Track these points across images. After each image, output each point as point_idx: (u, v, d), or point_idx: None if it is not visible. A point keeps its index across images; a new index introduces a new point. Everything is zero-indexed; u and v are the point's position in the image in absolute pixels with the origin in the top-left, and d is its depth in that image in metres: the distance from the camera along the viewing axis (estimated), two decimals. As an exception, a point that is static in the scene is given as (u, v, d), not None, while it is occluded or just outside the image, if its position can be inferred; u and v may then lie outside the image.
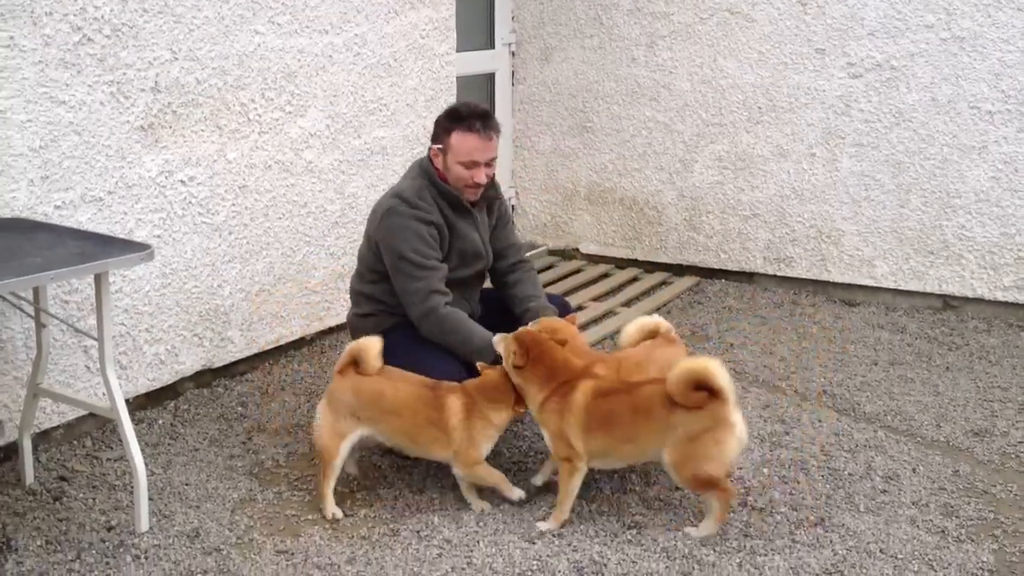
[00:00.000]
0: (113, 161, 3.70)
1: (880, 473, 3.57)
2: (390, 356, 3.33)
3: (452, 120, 3.56)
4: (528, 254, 4.00)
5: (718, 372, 3.06)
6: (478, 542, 3.10)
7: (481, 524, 3.20)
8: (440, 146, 3.57)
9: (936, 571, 2.98)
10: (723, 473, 3.09)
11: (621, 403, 3.14)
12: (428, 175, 3.60)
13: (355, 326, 3.75)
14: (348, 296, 4.84)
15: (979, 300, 5.24)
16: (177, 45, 3.86)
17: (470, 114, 3.55)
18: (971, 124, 5.10)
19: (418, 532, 3.16)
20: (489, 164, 3.58)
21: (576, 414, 3.12)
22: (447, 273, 3.56)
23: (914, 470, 3.60)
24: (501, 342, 3.28)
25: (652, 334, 3.60)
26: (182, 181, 3.97)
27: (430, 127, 3.70)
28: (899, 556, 3.04)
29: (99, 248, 3.02)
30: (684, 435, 3.05)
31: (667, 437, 3.07)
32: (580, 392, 3.15)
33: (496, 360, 3.31)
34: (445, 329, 3.49)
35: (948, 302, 5.34)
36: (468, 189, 3.58)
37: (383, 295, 3.64)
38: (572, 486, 3.17)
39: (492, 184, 3.71)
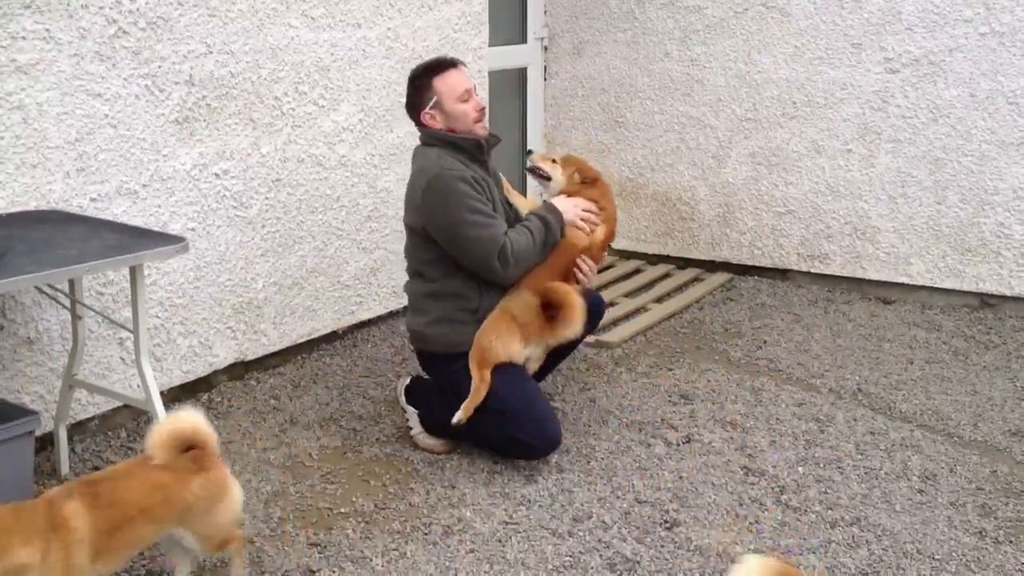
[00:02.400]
0: (148, 154, 3.72)
1: (916, 473, 3.52)
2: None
3: (424, 74, 3.59)
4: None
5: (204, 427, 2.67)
6: (510, 537, 3.09)
7: (513, 519, 3.19)
8: (432, 103, 3.56)
9: (974, 572, 2.94)
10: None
11: None
12: (436, 141, 3.58)
13: (428, 336, 3.62)
14: (381, 291, 4.87)
15: (1017, 299, 5.17)
16: (211, 38, 3.87)
17: (433, 61, 3.63)
18: (1010, 120, 5.02)
19: (450, 527, 3.15)
20: (475, 92, 3.63)
21: None
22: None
23: (951, 470, 3.55)
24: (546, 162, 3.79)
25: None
26: (216, 174, 3.98)
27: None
28: (936, 557, 3.01)
29: (134, 240, 3.03)
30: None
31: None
32: None
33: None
34: (522, 254, 3.49)
35: (985, 300, 5.27)
36: (477, 123, 3.59)
37: (458, 287, 3.56)
38: None
39: (495, 138, 3.72)
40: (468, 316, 3.54)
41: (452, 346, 3.56)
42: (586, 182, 3.79)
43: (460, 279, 3.54)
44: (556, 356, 3.95)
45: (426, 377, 3.80)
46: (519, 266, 3.51)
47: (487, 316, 3.53)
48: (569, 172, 3.80)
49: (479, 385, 3.42)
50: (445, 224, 3.45)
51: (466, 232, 3.42)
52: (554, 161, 3.84)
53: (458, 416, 3.43)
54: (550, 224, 3.56)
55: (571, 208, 3.66)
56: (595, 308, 3.82)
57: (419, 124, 3.63)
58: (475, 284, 3.55)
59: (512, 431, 3.45)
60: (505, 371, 3.51)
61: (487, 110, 3.75)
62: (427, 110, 3.58)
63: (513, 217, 3.74)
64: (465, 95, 3.55)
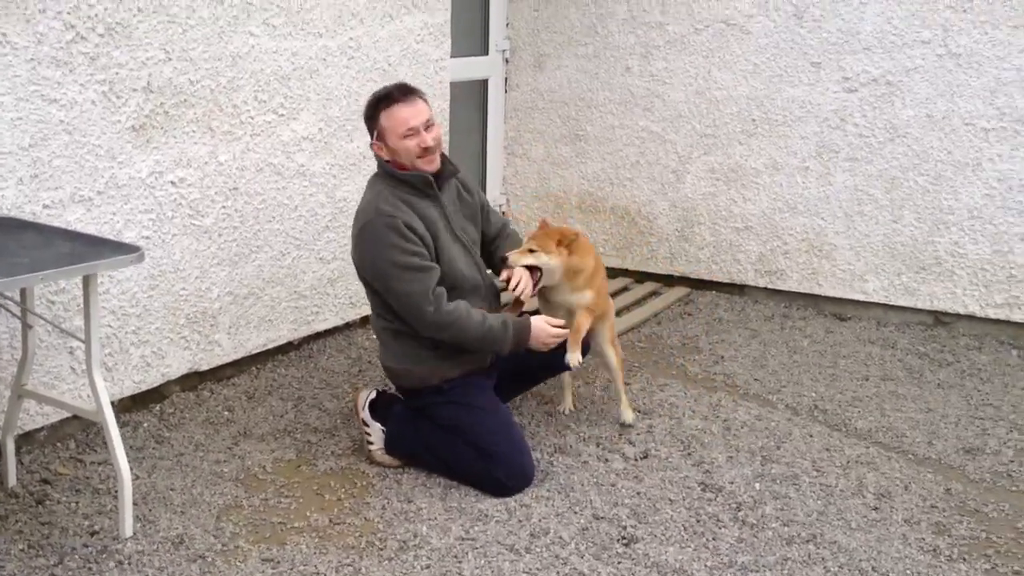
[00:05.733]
0: (103, 161, 3.66)
1: (872, 490, 3.55)
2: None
3: (375, 105, 3.49)
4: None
5: None
6: (467, 553, 3.06)
7: (470, 535, 3.17)
8: (377, 135, 3.50)
9: (928, 590, 2.96)
10: None
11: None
12: (384, 174, 3.53)
13: (397, 372, 3.61)
14: (338, 302, 4.83)
15: (971, 317, 5.24)
16: (171, 45, 3.82)
17: (386, 91, 3.50)
18: (966, 141, 5.09)
19: (405, 542, 3.12)
20: (428, 127, 3.48)
21: None
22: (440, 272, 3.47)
23: (906, 487, 3.58)
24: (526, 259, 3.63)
25: None
26: (172, 182, 3.93)
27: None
28: (891, 574, 3.02)
29: (88, 249, 2.97)
30: None
31: None
32: None
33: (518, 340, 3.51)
34: (462, 328, 3.42)
35: (939, 318, 5.33)
36: (422, 160, 3.47)
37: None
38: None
39: (446, 160, 3.61)
40: (429, 353, 3.51)
41: (420, 381, 3.55)
42: (573, 250, 3.67)
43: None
44: (527, 381, 3.95)
45: (393, 392, 3.77)
46: (450, 333, 3.43)
47: (450, 351, 3.50)
48: (556, 250, 3.65)
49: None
50: (376, 274, 3.45)
51: (396, 286, 3.41)
52: (532, 251, 3.64)
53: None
54: (505, 338, 3.47)
55: (543, 335, 3.55)
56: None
57: (378, 158, 3.58)
58: None
59: (489, 468, 3.42)
60: (487, 407, 3.52)
61: (443, 139, 3.61)
62: (374, 141, 3.53)
63: (492, 233, 3.78)
64: (409, 132, 3.43)
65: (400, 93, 3.47)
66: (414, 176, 3.49)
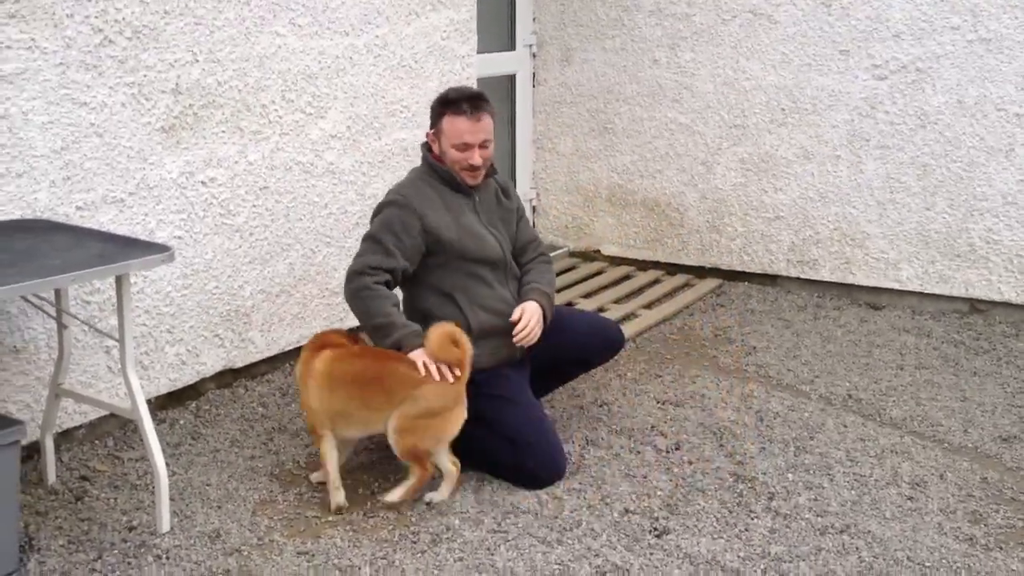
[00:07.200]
0: (134, 162, 3.70)
1: (907, 479, 3.52)
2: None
3: (443, 104, 3.58)
4: (550, 255, 3.97)
5: None
6: (499, 545, 3.07)
7: (502, 527, 3.18)
8: (434, 131, 3.60)
9: (964, 579, 2.94)
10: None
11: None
12: (425, 163, 3.66)
13: None
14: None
15: (1007, 304, 5.18)
16: (198, 47, 3.86)
17: (459, 97, 3.56)
18: (998, 126, 5.04)
19: (438, 535, 3.14)
20: (483, 146, 3.55)
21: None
22: (406, 268, 3.50)
23: (941, 476, 3.55)
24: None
25: None
26: (203, 182, 3.97)
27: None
28: (926, 564, 3.00)
29: (120, 250, 3.01)
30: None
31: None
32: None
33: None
34: (362, 303, 3.45)
35: (975, 306, 5.28)
36: (465, 172, 3.57)
37: (433, 310, 3.55)
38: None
39: (491, 168, 3.70)
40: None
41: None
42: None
43: (437, 303, 3.56)
44: (562, 376, 3.94)
45: None
46: (354, 304, 3.48)
47: (481, 330, 3.52)
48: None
49: (422, 474, 3.29)
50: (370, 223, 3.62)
51: (362, 242, 3.55)
52: None
53: (392, 496, 3.32)
54: (392, 336, 3.38)
55: (424, 355, 3.32)
56: (616, 338, 3.88)
57: (427, 134, 3.68)
58: (454, 305, 3.55)
59: (521, 460, 3.43)
60: (520, 399, 3.52)
61: (489, 161, 3.62)
62: (431, 131, 3.64)
63: (521, 241, 3.78)
64: (462, 146, 3.53)
65: (470, 107, 3.54)
66: (447, 171, 3.60)
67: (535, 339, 3.57)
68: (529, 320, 3.54)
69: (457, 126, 3.52)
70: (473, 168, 3.56)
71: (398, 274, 3.50)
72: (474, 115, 3.53)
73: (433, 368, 3.25)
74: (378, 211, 3.58)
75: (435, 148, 3.62)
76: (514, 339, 3.54)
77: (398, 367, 3.30)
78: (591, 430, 3.90)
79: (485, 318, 3.55)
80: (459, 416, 3.29)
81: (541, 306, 3.60)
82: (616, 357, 4.08)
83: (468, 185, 3.60)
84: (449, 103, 3.56)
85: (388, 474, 3.54)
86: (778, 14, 5.45)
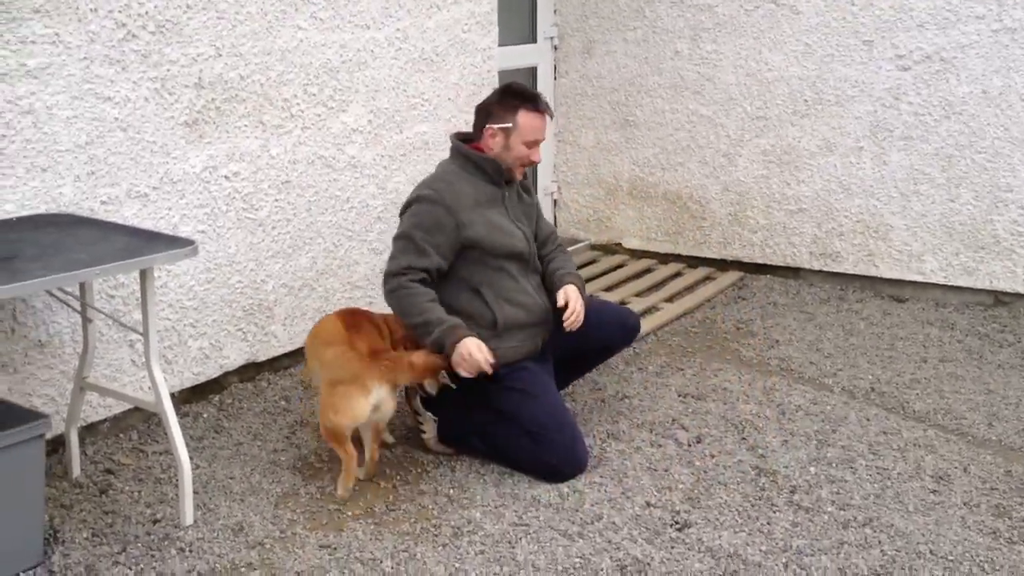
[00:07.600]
0: (158, 157, 3.73)
1: (930, 473, 3.50)
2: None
3: (520, 99, 3.56)
4: (570, 249, 3.98)
5: None
6: (520, 539, 3.08)
7: (523, 521, 3.19)
8: (505, 125, 3.54)
9: (988, 573, 2.92)
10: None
11: None
12: (459, 155, 3.62)
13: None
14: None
15: (1031, 296, 5.15)
16: (220, 41, 3.87)
17: (534, 94, 3.60)
18: (1023, 117, 4.99)
19: (459, 528, 3.15)
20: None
21: None
22: (441, 265, 3.48)
23: (965, 470, 3.53)
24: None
25: None
26: (226, 176, 3.99)
27: (472, 121, 3.69)
28: (950, 557, 2.99)
29: (145, 244, 3.03)
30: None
31: None
32: None
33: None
34: (405, 305, 3.45)
35: (999, 298, 5.24)
36: (521, 168, 3.62)
37: (463, 306, 3.54)
38: None
39: None
40: (488, 333, 3.50)
41: None
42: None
43: (465, 298, 3.55)
44: (583, 366, 3.94)
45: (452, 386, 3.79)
46: (397, 307, 3.48)
47: (506, 324, 3.53)
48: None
49: (347, 460, 3.33)
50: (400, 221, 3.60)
51: (394, 242, 3.54)
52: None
53: (337, 491, 3.35)
54: (433, 334, 3.38)
55: (469, 357, 3.36)
56: (633, 323, 3.87)
57: (477, 131, 3.62)
58: (480, 300, 3.55)
59: (542, 454, 3.44)
60: (541, 393, 3.52)
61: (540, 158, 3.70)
62: (496, 127, 3.56)
63: (541, 237, 3.77)
64: (533, 143, 3.56)
65: (544, 106, 3.59)
66: (489, 161, 3.57)
67: (581, 322, 3.58)
68: (575, 304, 3.56)
69: (534, 123, 3.54)
70: (531, 164, 3.61)
71: (433, 272, 3.47)
72: (546, 115, 3.59)
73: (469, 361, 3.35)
74: (407, 206, 3.55)
75: (493, 142, 3.56)
76: (564, 324, 3.55)
77: (357, 343, 3.38)
78: (612, 423, 3.89)
79: (510, 312, 3.55)
80: (360, 397, 3.24)
81: (579, 288, 3.63)
82: (634, 345, 4.07)
83: (513, 179, 3.63)
84: (527, 99, 3.56)
85: (410, 468, 3.56)
86: (801, 4, 5.41)
